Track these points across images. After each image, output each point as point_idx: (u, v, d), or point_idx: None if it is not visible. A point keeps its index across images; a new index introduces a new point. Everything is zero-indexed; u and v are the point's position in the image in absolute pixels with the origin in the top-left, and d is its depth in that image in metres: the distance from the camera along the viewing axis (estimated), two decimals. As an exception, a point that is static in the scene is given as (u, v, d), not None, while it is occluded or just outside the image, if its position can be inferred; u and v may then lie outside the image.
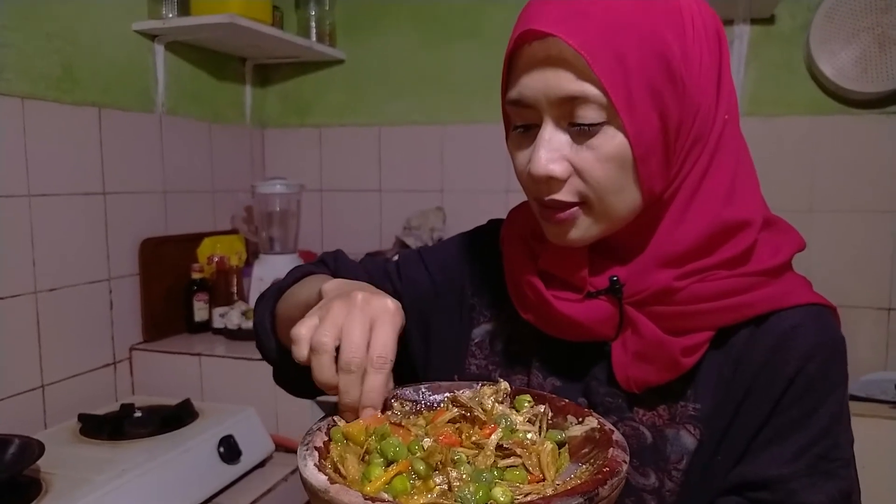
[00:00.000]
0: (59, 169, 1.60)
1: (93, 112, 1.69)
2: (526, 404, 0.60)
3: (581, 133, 0.62)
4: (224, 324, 1.91)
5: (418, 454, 0.49)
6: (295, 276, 0.81)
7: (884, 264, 1.84)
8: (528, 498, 0.46)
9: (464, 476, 0.48)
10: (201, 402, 1.64)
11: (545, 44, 0.61)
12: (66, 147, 1.62)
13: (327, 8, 2.21)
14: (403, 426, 0.54)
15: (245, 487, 1.50)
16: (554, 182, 0.63)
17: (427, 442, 0.50)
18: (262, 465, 1.59)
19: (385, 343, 0.55)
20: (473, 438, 0.53)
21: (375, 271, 0.87)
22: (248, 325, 1.87)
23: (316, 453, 0.50)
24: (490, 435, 0.53)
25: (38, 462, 1.21)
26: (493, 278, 0.80)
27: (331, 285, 0.63)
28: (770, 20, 1.90)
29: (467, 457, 0.51)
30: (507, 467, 0.51)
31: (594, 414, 0.59)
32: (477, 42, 2.14)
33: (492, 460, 0.51)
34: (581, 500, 0.44)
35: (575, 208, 0.64)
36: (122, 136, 1.78)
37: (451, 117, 2.19)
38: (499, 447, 0.52)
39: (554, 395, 0.62)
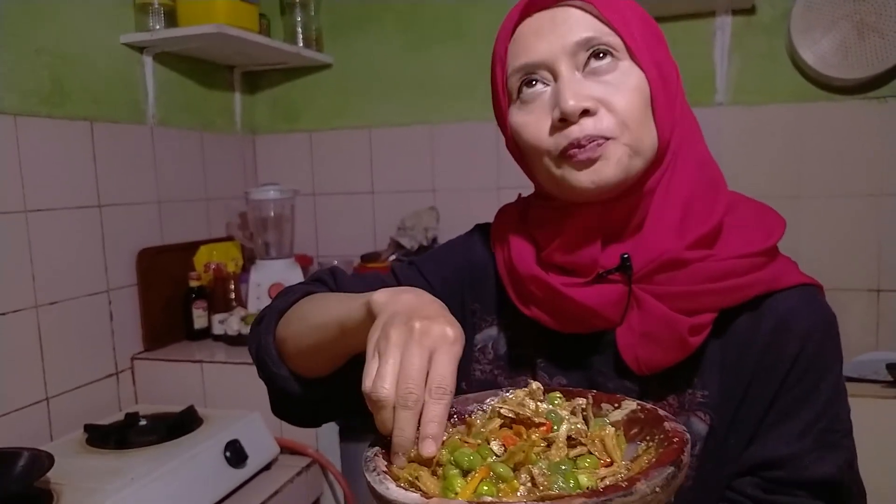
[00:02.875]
0: (54, 183, 1.61)
1: (84, 126, 1.70)
2: (557, 400, 0.61)
3: (600, 71, 0.67)
4: (224, 330, 1.93)
5: (497, 458, 0.51)
6: (292, 298, 0.77)
7: (871, 246, 1.87)
8: (607, 481, 0.49)
9: (545, 471, 0.49)
10: (205, 409, 1.66)
11: (552, 10, 0.68)
12: (60, 161, 1.63)
13: (313, 13, 2.22)
14: (462, 439, 0.55)
15: (252, 490, 1.52)
16: (585, 116, 0.66)
17: (495, 445, 0.52)
18: (268, 467, 1.61)
19: (444, 373, 0.53)
20: (535, 436, 0.54)
21: (376, 286, 0.86)
22: (248, 330, 1.88)
23: (388, 476, 0.50)
24: (547, 432, 0.54)
25: (48, 474, 1.23)
26: (489, 282, 0.82)
27: (382, 298, 0.60)
28: (751, 10, 1.92)
29: (537, 454, 0.52)
30: (576, 457, 0.53)
31: (627, 398, 0.61)
32: (460, 43, 2.16)
33: (564, 452, 0.53)
34: (672, 468, 0.47)
35: (608, 141, 0.66)
36: (115, 148, 1.79)
37: (439, 117, 2.21)
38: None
39: (583, 389, 0.64)
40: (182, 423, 1.54)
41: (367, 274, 0.89)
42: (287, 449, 1.68)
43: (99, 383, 1.73)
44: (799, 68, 1.89)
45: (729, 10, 1.92)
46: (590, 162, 0.66)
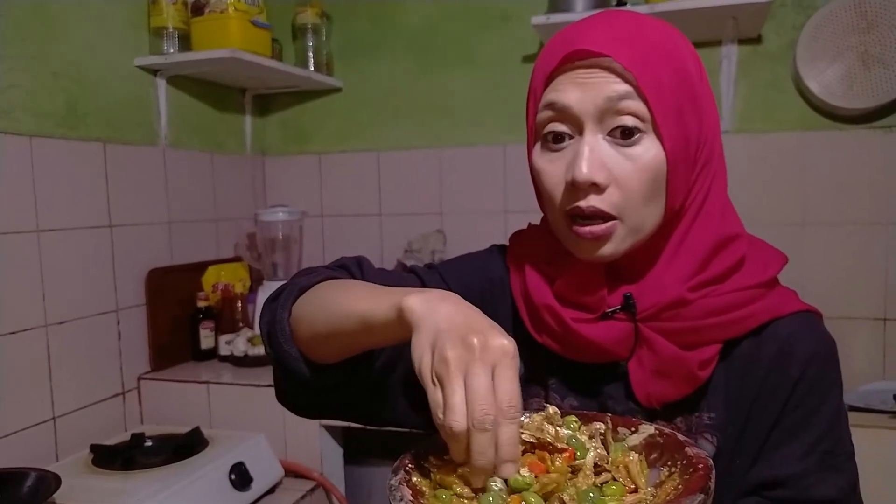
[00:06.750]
0: (67, 204, 1.63)
1: (98, 147, 1.73)
2: (573, 424, 0.61)
3: (622, 143, 0.67)
4: (230, 351, 1.94)
5: (531, 488, 0.51)
6: (315, 279, 0.73)
7: (877, 275, 1.88)
8: None
9: (573, 497, 0.50)
10: (210, 430, 1.67)
11: (591, 62, 0.67)
12: (73, 182, 1.65)
13: (324, 38, 2.25)
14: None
15: (256, 514, 1.52)
16: (593, 190, 0.67)
17: (525, 472, 0.52)
18: (272, 490, 1.61)
19: (511, 391, 0.50)
20: (557, 463, 0.54)
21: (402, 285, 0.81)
22: (255, 351, 1.89)
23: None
24: (570, 459, 0.55)
25: (54, 495, 1.23)
26: (506, 302, 0.82)
27: (419, 307, 0.56)
28: (757, 40, 1.94)
29: (564, 482, 0.53)
30: (602, 484, 0.54)
31: (644, 422, 0.62)
32: (469, 68, 2.19)
33: (591, 480, 0.54)
34: (702, 496, 0.49)
35: (611, 223, 0.68)
36: (127, 169, 1.81)
37: (448, 141, 2.23)
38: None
39: (598, 413, 0.65)
40: (188, 445, 1.54)
41: (394, 271, 0.86)
42: (291, 472, 1.68)
43: (105, 403, 1.74)
44: (804, 97, 1.91)
45: (735, 39, 1.94)
46: (592, 240, 0.69)
